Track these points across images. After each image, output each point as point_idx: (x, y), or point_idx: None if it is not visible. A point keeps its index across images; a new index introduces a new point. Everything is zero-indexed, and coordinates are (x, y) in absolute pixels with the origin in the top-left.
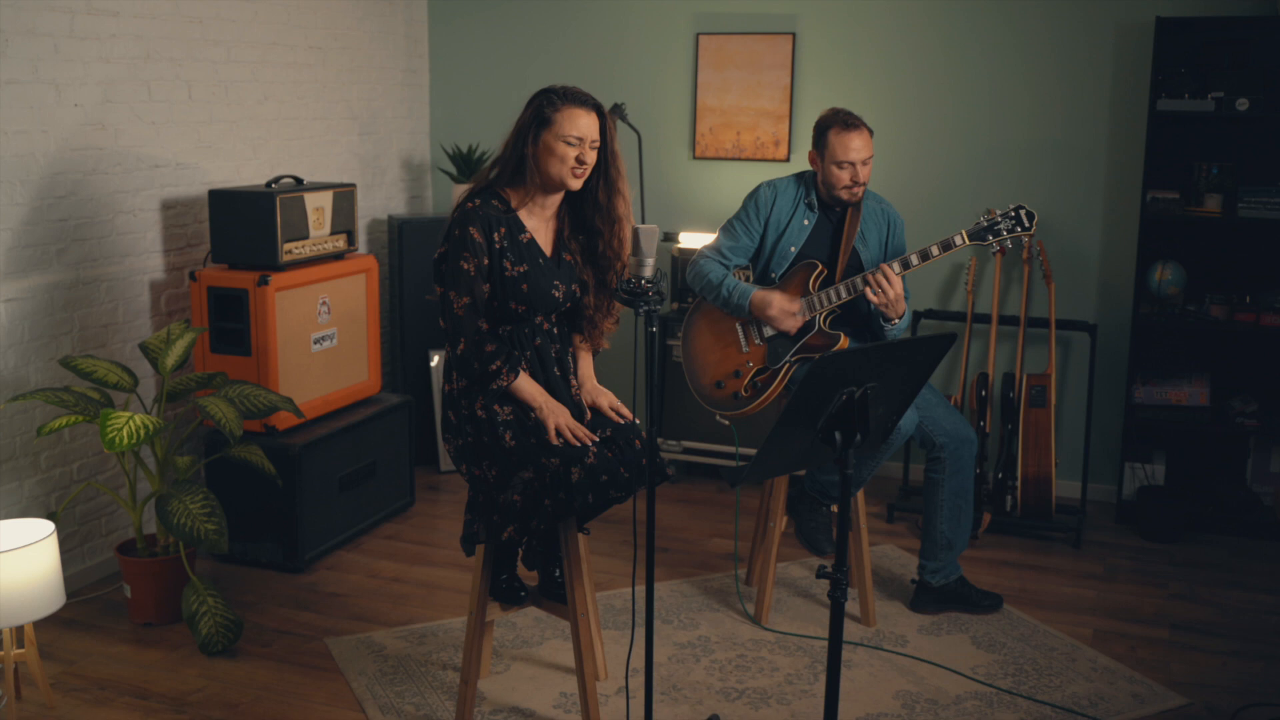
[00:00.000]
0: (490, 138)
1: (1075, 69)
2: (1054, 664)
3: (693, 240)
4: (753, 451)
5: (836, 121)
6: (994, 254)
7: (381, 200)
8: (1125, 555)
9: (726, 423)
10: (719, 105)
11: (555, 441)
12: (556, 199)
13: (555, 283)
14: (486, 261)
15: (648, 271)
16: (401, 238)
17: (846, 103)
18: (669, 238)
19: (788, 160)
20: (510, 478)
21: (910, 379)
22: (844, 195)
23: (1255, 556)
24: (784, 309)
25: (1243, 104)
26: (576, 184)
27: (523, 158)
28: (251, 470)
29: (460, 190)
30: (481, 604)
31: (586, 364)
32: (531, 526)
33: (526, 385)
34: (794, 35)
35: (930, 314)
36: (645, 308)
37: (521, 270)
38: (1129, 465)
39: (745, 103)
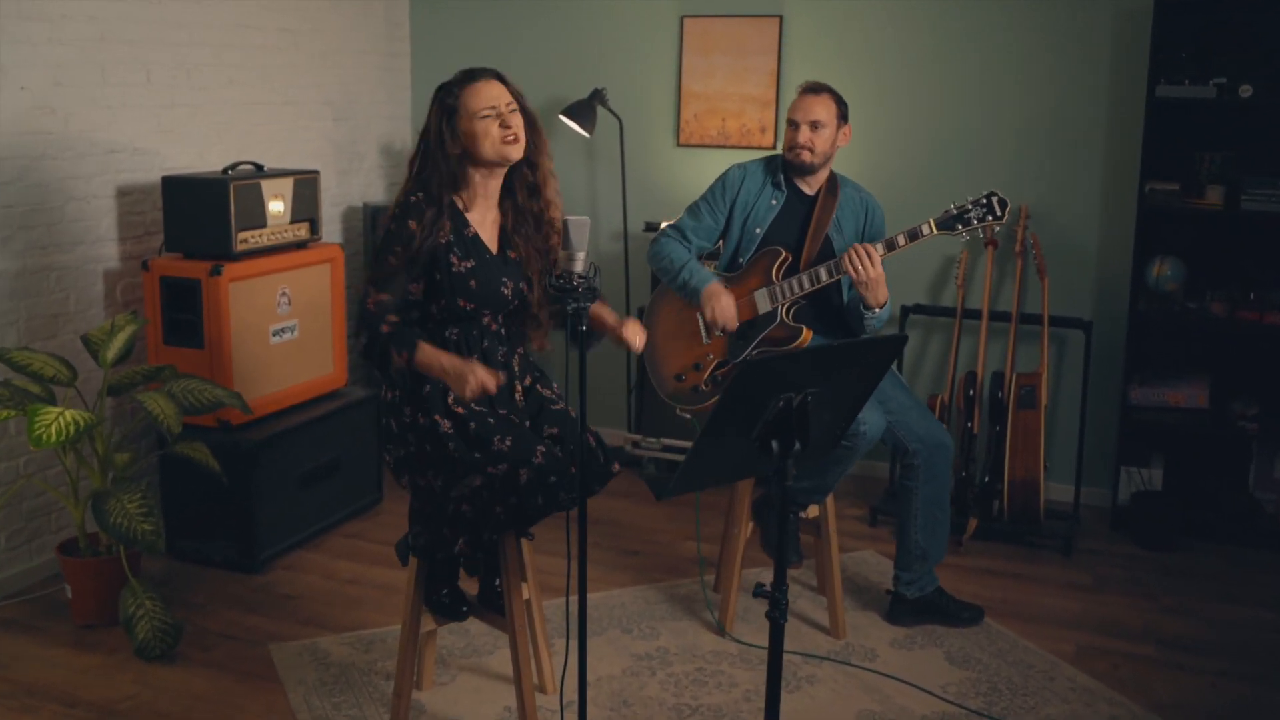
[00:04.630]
0: None
1: (1071, 53)
2: (1030, 683)
3: None
4: None
5: (802, 87)
6: (964, 241)
7: (359, 187)
8: (1116, 564)
9: (688, 417)
10: (704, 91)
11: (468, 396)
12: (497, 186)
13: (504, 279)
14: (418, 251)
15: (578, 266)
16: (375, 225)
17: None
18: (650, 228)
19: (774, 148)
20: (455, 486)
21: (858, 384)
22: (788, 156)
23: (1254, 567)
24: (723, 313)
25: (1246, 90)
26: (517, 151)
27: (448, 160)
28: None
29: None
30: (415, 616)
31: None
32: (484, 538)
33: (428, 355)
34: (780, 18)
35: (919, 309)
36: (575, 304)
37: (469, 265)
38: (1125, 469)
39: (731, 88)
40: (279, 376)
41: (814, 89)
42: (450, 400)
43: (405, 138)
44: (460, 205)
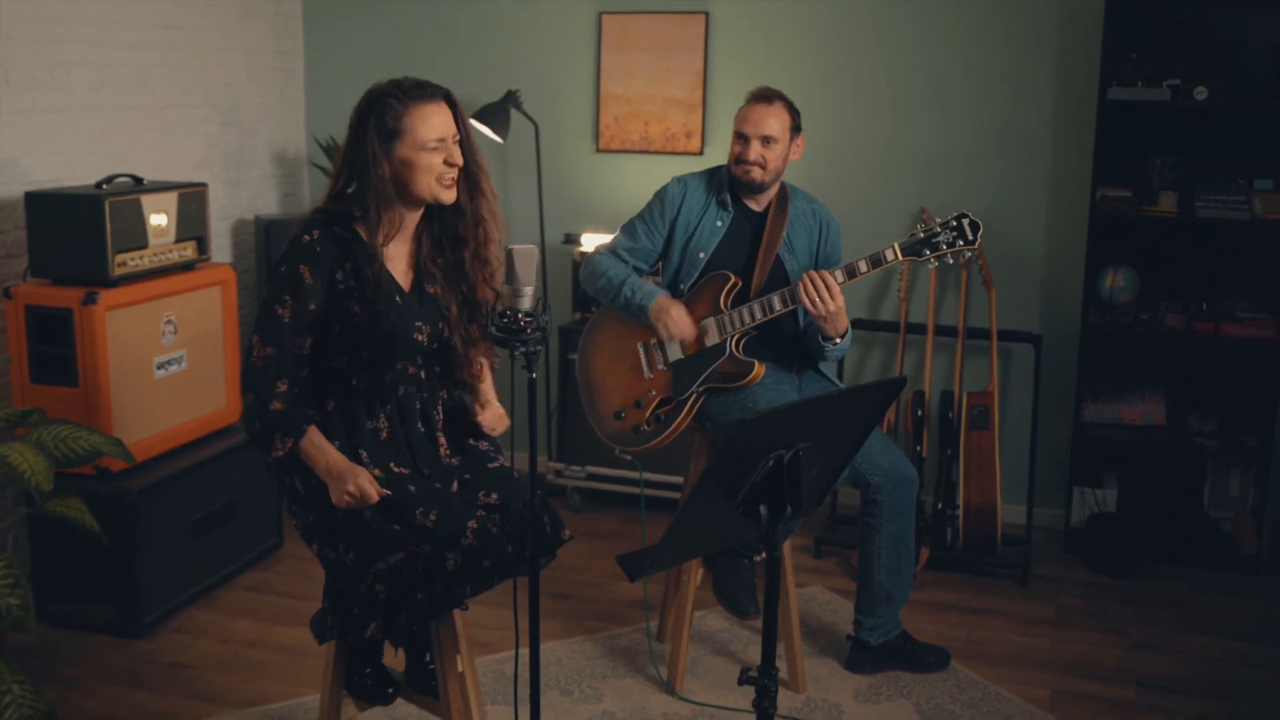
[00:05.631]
0: None
1: (1017, 53)
2: None
3: (596, 243)
4: (666, 478)
5: (751, 94)
6: (930, 267)
7: (248, 199)
8: (1077, 594)
9: (629, 458)
10: (624, 93)
11: (338, 504)
12: (415, 218)
13: (417, 323)
14: (314, 306)
15: (526, 303)
16: (269, 240)
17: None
18: (569, 239)
19: (701, 154)
20: (371, 562)
21: (851, 434)
22: (736, 172)
23: (1216, 591)
24: (678, 326)
25: (1201, 93)
26: (450, 195)
27: (368, 185)
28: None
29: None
30: (334, 701)
31: (486, 388)
32: (399, 623)
33: (312, 447)
34: (707, 15)
35: (858, 324)
36: (524, 349)
37: (374, 311)
38: (1078, 490)
39: (653, 90)
40: (165, 414)
41: (764, 97)
42: (364, 456)
43: (299, 143)
44: (365, 235)
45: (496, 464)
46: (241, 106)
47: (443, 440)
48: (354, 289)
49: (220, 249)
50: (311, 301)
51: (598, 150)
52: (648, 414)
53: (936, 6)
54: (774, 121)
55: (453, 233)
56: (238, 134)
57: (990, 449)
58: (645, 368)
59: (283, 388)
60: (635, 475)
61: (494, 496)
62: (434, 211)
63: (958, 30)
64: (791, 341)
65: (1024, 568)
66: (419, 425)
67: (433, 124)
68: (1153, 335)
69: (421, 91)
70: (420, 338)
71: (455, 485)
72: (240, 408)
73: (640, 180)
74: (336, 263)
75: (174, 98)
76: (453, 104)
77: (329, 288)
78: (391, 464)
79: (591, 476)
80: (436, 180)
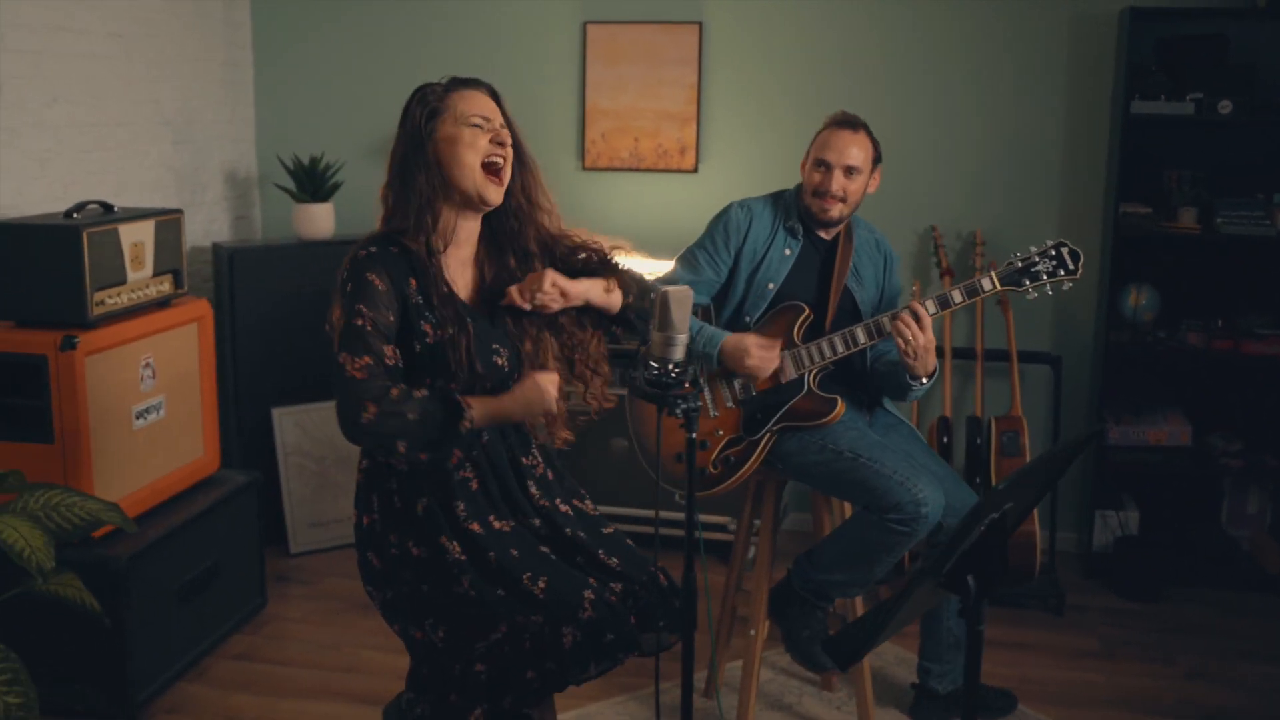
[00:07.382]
0: (332, 144)
1: (1028, 67)
2: None
3: None
4: (712, 520)
5: (833, 119)
6: (1029, 298)
7: (202, 224)
8: (1112, 622)
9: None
10: (613, 107)
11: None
12: (472, 230)
13: (494, 345)
14: (392, 319)
15: (679, 353)
16: (232, 270)
17: (763, 104)
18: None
19: (695, 171)
20: (466, 641)
21: (1044, 488)
22: (811, 204)
23: (1247, 614)
24: (763, 357)
25: (1225, 107)
26: (496, 192)
27: (411, 182)
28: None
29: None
30: None
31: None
32: (505, 706)
33: (483, 406)
34: (700, 25)
35: None
36: (684, 405)
37: (448, 333)
38: (1099, 513)
39: (644, 104)
40: (145, 468)
41: (849, 123)
42: (460, 510)
43: (250, 162)
44: (423, 252)
45: (610, 530)
46: (193, 122)
47: (534, 490)
48: (423, 307)
49: None
50: (389, 312)
51: (583, 168)
52: (714, 456)
53: (943, 17)
54: (858, 151)
55: (517, 240)
56: (191, 152)
57: None
58: (711, 405)
59: (396, 392)
60: (638, 513)
61: (614, 560)
62: (490, 223)
63: (965, 42)
64: (861, 377)
65: (1059, 597)
66: (510, 474)
67: (476, 103)
68: (1173, 353)
69: (465, 81)
70: (500, 361)
71: (578, 532)
72: (220, 452)
73: (630, 200)
74: (403, 276)
75: (127, 114)
76: (497, 98)
77: (403, 301)
78: (492, 518)
79: None
80: (481, 163)
